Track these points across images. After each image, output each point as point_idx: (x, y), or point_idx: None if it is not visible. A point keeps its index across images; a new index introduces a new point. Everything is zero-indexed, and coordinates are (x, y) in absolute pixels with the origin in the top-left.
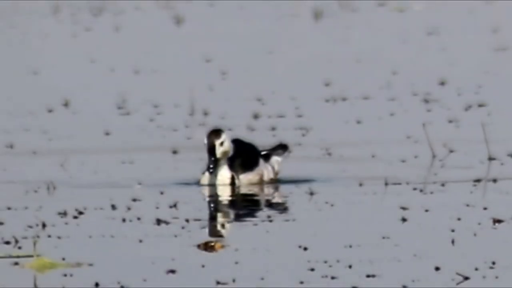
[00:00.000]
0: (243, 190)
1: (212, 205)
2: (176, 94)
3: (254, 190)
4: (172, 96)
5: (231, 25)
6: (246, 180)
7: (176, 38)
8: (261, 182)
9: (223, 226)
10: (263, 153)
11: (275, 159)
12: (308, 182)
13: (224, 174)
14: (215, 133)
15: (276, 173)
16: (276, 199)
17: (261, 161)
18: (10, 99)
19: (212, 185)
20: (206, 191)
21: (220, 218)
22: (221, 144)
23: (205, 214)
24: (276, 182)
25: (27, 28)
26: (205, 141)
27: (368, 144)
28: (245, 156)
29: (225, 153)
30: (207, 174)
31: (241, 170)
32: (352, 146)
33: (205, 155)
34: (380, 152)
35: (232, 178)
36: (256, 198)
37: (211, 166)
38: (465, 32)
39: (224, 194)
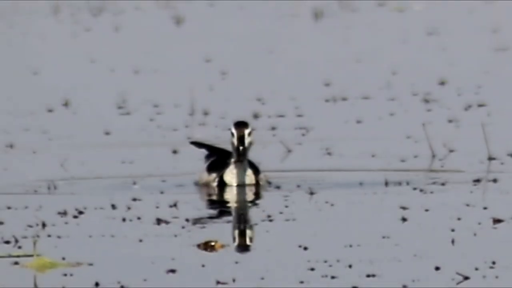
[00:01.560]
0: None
1: (212, 205)
2: (176, 94)
3: (255, 190)
4: (172, 96)
5: (231, 25)
6: (264, 179)
7: (176, 38)
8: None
9: (223, 226)
10: None
11: None
12: (308, 182)
13: (250, 173)
14: (243, 123)
15: None
16: (276, 199)
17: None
18: (10, 99)
19: (241, 185)
20: (232, 191)
21: (220, 218)
22: (249, 134)
23: (205, 214)
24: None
25: (27, 28)
26: (233, 130)
27: (368, 144)
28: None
29: (250, 145)
30: (229, 173)
31: (255, 170)
32: (352, 146)
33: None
34: (380, 152)
35: (257, 177)
36: (255, 198)
37: (241, 155)
38: (465, 32)
39: (249, 195)
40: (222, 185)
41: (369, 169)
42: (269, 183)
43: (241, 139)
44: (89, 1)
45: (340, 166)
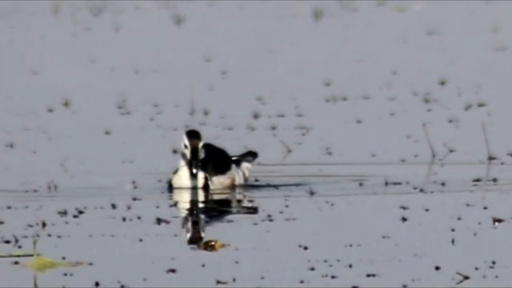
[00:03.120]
0: (216, 193)
1: (210, 204)
2: (176, 94)
3: (252, 190)
4: (172, 95)
5: (231, 25)
6: (218, 183)
7: (176, 38)
8: (233, 186)
9: (223, 225)
10: (233, 158)
11: (245, 165)
12: (308, 182)
13: (200, 176)
14: (197, 135)
15: (245, 179)
16: (276, 199)
17: (233, 165)
18: (10, 99)
19: (194, 188)
20: (185, 193)
21: (219, 218)
22: (202, 146)
23: (204, 214)
24: (245, 186)
25: (27, 28)
26: (186, 142)
27: (368, 144)
28: (217, 159)
29: (200, 156)
30: (183, 175)
31: (213, 173)
32: (352, 145)
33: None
34: (380, 152)
35: (206, 181)
36: (255, 198)
37: (195, 168)
38: (465, 32)
39: (199, 197)
40: (171, 188)
41: (369, 168)
42: (236, 185)
43: (194, 152)
44: (89, 1)
45: (340, 166)
